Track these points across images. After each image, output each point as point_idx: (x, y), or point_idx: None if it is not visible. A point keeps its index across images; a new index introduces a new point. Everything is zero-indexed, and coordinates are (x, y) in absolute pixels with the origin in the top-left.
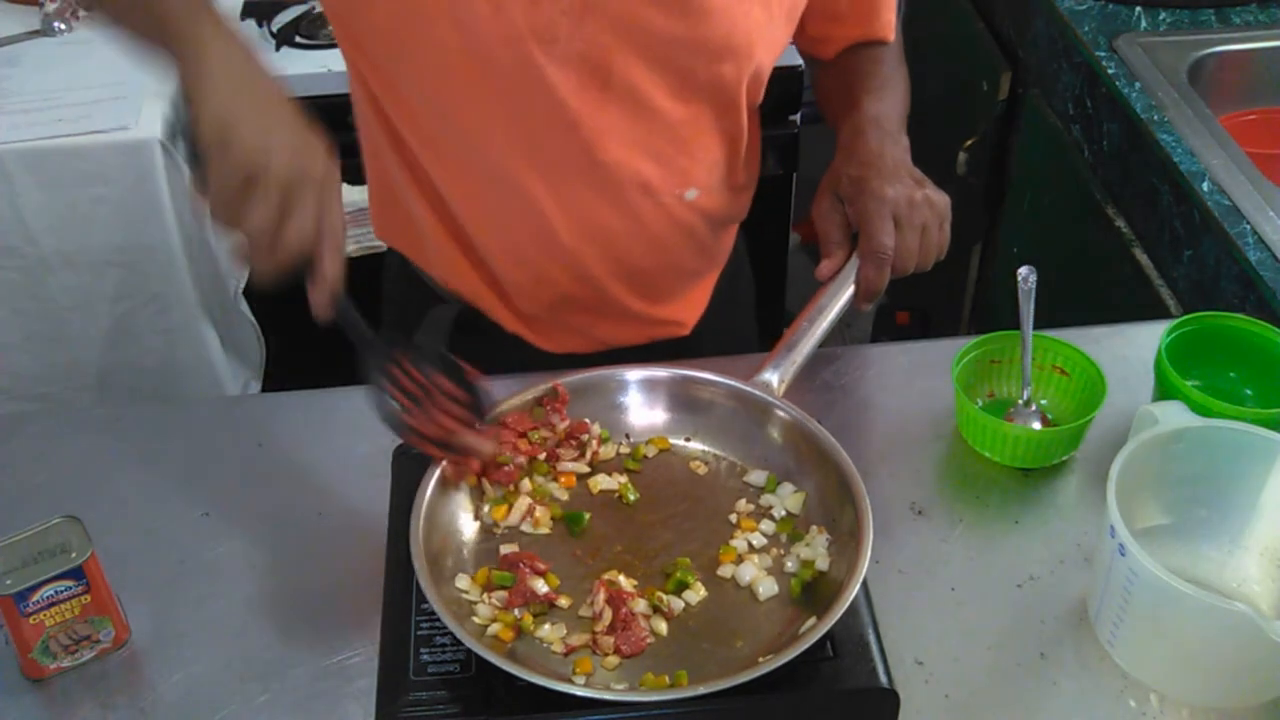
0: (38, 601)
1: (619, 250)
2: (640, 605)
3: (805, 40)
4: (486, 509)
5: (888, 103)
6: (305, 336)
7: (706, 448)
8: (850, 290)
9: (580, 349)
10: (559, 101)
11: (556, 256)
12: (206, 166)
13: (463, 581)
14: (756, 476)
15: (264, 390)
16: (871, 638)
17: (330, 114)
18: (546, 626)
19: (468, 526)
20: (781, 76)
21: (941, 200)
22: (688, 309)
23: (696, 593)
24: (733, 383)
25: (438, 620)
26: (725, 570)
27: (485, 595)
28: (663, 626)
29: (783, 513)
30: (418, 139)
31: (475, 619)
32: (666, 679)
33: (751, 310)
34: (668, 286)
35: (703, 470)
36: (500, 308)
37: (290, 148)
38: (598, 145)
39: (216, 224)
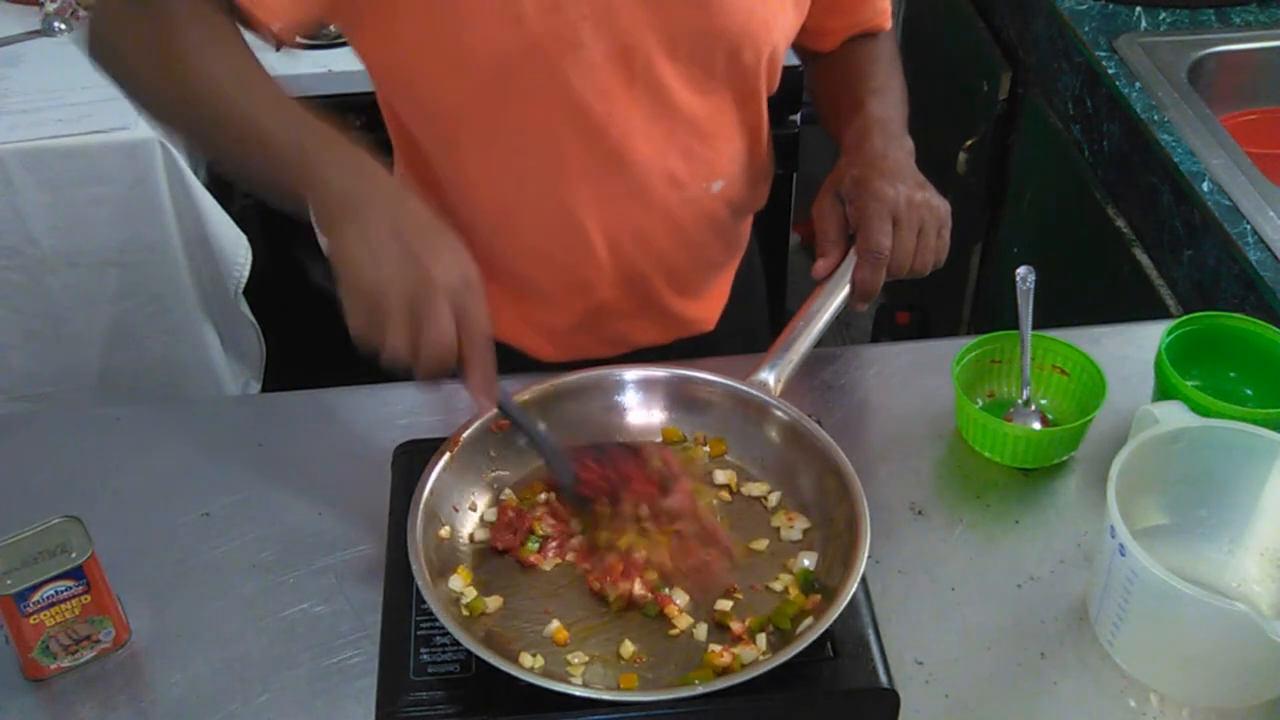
0: (38, 601)
1: (654, 247)
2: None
3: (804, 35)
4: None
5: (891, 104)
6: (305, 336)
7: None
8: (846, 290)
9: (605, 354)
10: (586, 107)
11: (596, 262)
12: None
13: (456, 583)
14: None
15: (264, 390)
16: (871, 637)
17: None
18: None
19: (467, 527)
20: (781, 76)
21: (942, 206)
22: (713, 303)
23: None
24: (730, 382)
25: (438, 620)
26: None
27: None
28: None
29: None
30: (448, 165)
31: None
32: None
33: (764, 306)
34: (698, 279)
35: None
36: (529, 335)
37: (408, 262)
38: (626, 146)
39: (361, 346)
